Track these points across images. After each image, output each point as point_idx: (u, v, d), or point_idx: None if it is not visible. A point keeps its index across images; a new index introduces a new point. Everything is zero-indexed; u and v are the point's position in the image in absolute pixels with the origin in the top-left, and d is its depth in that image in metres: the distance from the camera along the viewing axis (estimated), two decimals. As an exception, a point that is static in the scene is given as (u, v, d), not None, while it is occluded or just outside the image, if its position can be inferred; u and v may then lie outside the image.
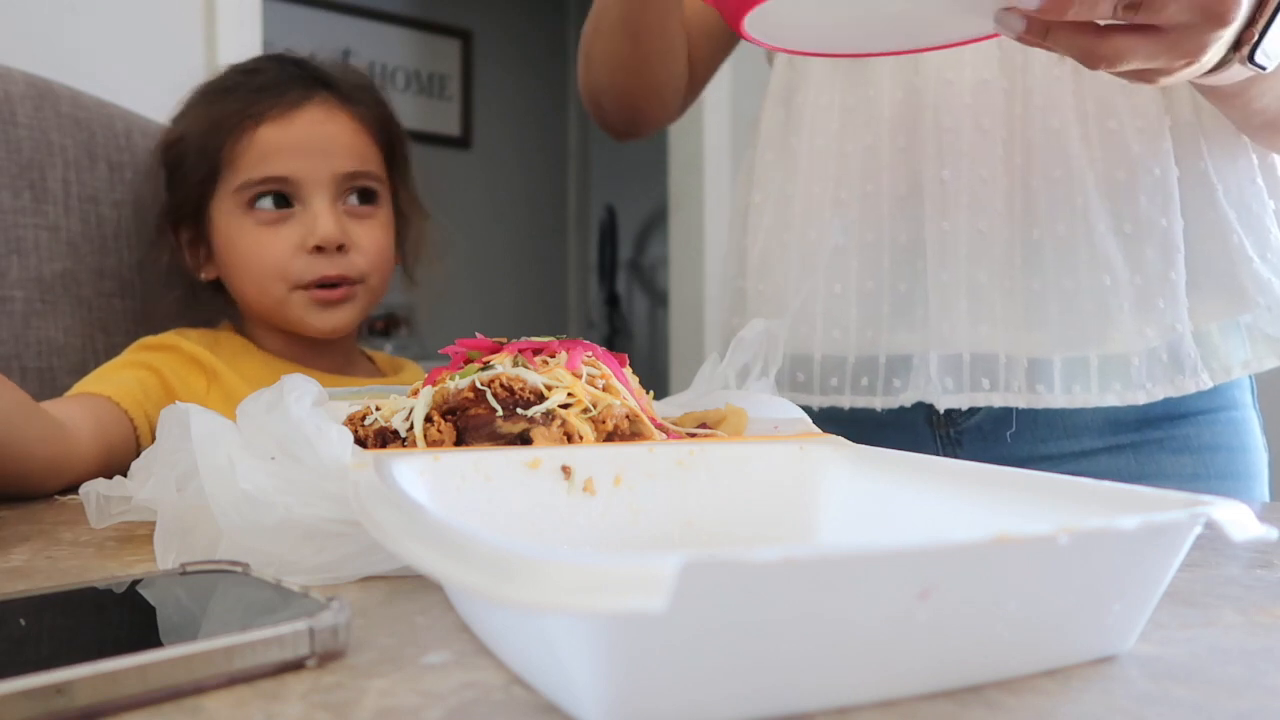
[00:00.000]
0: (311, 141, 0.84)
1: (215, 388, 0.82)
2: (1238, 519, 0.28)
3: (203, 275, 0.89)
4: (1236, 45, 0.51)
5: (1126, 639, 0.31)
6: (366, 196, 0.87)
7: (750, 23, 0.52)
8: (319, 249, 0.83)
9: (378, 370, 0.95)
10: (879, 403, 0.74)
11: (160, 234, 0.89)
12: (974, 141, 0.70)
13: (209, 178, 0.85)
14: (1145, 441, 0.73)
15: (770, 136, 0.81)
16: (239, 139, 0.84)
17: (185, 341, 0.83)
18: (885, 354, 0.75)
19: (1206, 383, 0.69)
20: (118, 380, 0.77)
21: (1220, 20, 0.48)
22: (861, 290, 0.74)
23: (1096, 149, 0.69)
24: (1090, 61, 0.50)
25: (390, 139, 0.91)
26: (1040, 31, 0.49)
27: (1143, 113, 0.69)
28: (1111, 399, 0.70)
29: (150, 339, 0.84)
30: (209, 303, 0.91)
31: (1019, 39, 0.50)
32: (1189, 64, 0.50)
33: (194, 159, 0.86)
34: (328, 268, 0.83)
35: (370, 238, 0.86)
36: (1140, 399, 0.69)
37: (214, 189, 0.85)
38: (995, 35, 0.52)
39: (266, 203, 0.84)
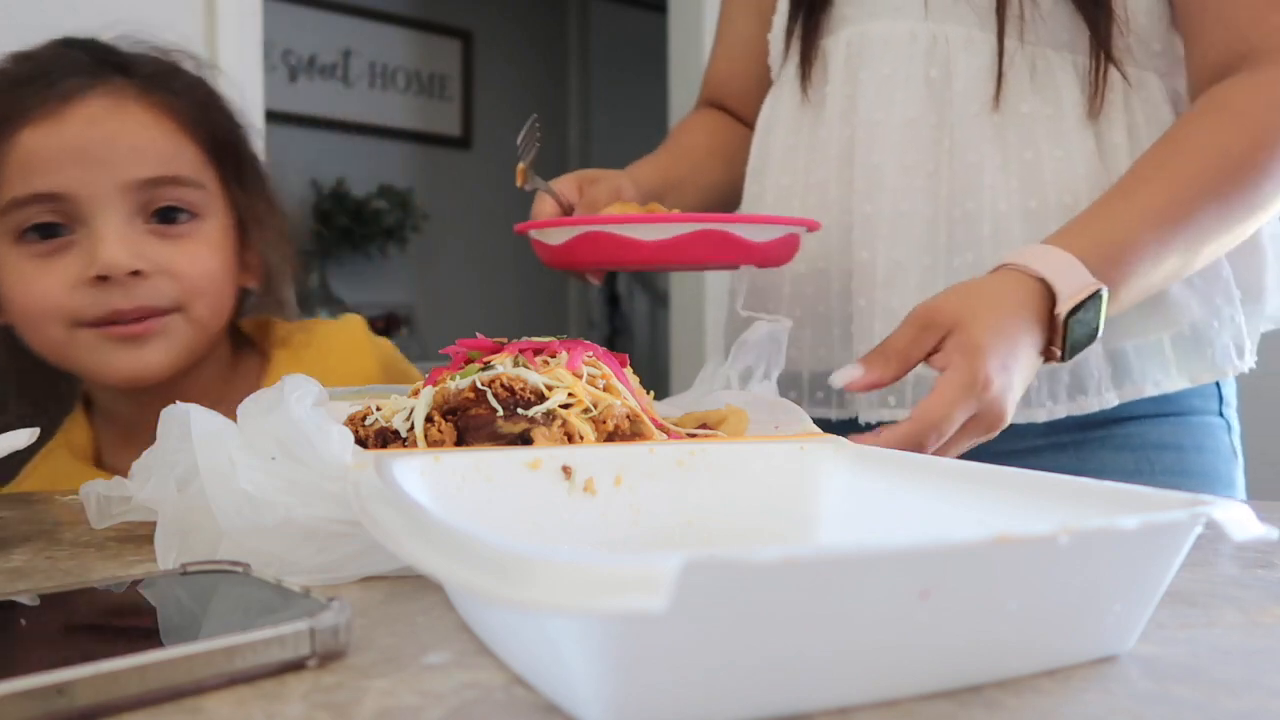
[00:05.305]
0: (90, 144, 0.66)
1: None
2: (1238, 519, 0.28)
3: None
4: (1047, 357, 0.60)
5: (1127, 639, 0.31)
6: (176, 213, 0.69)
7: None
8: (103, 278, 0.65)
9: None
10: (834, 414, 0.78)
11: None
12: (896, 177, 0.73)
13: None
14: (1087, 440, 0.75)
15: (752, 171, 0.85)
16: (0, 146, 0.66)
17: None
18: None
19: (1112, 401, 0.71)
20: None
21: (996, 429, 0.58)
22: (814, 314, 0.78)
23: (1014, 179, 0.71)
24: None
25: (215, 131, 0.73)
26: None
27: (1062, 141, 0.71)
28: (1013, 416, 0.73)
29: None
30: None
31: None
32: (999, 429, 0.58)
33: None
34: (121, 300, 0.66)
35: (187, 259, 0.68)
36: (1040, 417, 0.72)
37: None
38: None
39: (35, 233, 0.66)
